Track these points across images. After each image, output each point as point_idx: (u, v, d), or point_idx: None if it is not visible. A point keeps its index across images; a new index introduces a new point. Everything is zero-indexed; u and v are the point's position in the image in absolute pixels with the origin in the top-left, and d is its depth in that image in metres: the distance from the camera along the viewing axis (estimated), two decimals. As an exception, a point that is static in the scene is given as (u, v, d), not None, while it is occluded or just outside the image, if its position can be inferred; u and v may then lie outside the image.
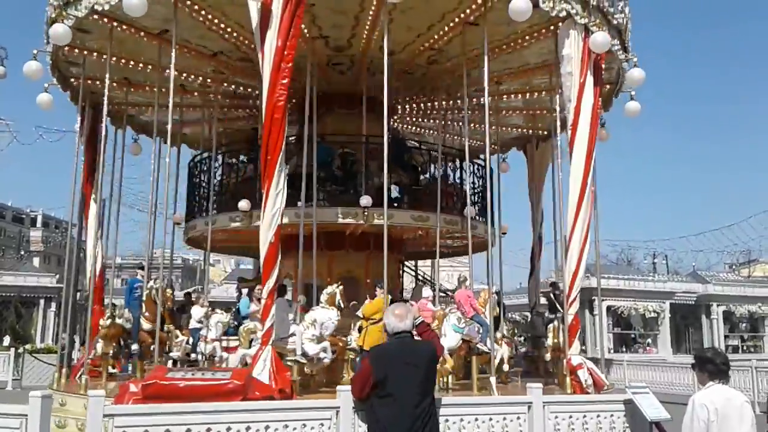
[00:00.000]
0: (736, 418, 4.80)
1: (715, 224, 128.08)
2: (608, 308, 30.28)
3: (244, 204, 12.07)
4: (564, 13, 9.88)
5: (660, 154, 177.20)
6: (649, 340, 32.93)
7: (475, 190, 14.90)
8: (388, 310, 5.35)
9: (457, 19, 11.03)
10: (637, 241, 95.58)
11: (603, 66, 10.68)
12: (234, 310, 12.32)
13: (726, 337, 34.79)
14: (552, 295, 13.28)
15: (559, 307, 12.30)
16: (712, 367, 5.01)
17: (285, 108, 8.72)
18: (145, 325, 11.46)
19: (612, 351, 28.20)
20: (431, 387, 5.12)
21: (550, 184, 14.51)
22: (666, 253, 58.28)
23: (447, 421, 6.35)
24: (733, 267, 65.40)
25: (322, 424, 5.95)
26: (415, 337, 5.28)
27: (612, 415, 7.34)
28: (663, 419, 7.24)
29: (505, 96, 14.68)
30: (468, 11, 10.67)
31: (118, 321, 11.70)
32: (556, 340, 12.03)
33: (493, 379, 9.95)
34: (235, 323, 11.56)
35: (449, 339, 10.68)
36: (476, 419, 6.57)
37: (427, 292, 12.02)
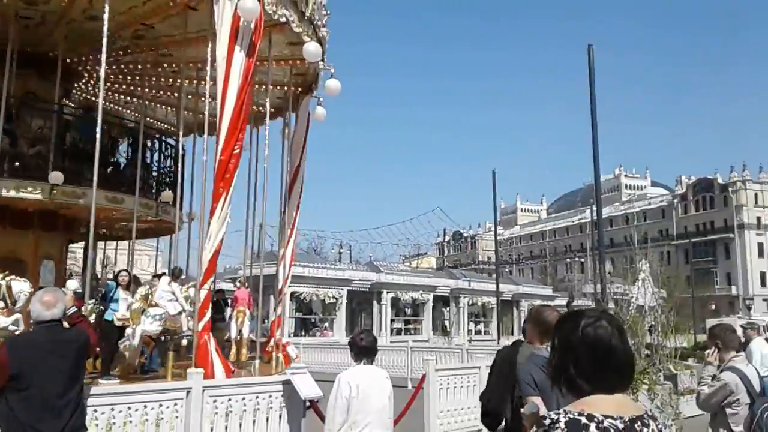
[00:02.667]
0: (377, 393, 5.33)
1: (393, 219, 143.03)
2: (292, 294, 31.55)
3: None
4: (284, 19, 10.38)
5: (349, 152, 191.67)
6: (327, 324, 35.30)
7: (162, 171, 14.28)
8: (35, 297, 4.82)
9: None
10: (325, 232, 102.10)
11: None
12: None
13: (392, 320, 38.88)
14: (221, 300, 14.98)
15: (226, 309, 15.40)
16: (358, 348, 5.48)
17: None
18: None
19: (292, 335, 29.48)
20: (80, 377, 4.79)
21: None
22: (350, 244, 63.23)
23: (96, 411, 5.96)
24: (405, 259, 73.71)
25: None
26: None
27: (270, 396, 7.62)
28: (315, 397, 7.80)
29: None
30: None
31: None
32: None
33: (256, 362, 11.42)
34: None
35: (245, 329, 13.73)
36: (129, 408, 6.27)
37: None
